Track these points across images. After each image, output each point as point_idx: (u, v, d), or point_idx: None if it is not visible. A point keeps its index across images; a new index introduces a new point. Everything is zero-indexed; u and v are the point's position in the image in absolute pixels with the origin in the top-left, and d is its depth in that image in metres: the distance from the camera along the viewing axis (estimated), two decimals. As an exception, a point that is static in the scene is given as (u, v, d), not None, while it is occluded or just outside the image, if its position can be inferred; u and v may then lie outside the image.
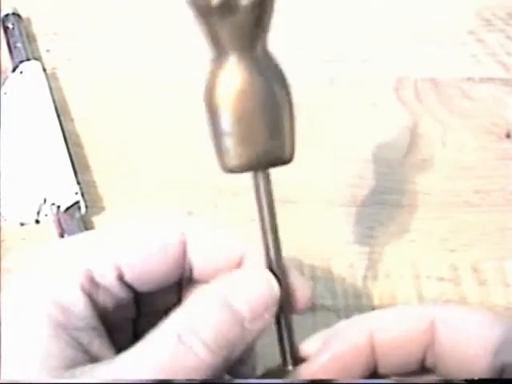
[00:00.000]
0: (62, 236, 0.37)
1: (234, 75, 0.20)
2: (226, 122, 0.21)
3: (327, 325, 0.34)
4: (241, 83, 0.20)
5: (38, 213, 0.38)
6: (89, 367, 0.20)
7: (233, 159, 0.21)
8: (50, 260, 0.23)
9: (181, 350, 0.20)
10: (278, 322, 0.24)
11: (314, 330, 0.35)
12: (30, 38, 0.47)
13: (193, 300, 0.22)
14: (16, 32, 0.46)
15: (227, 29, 0.20)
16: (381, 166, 0.41)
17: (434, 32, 0.47)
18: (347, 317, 0.35)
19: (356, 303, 0.36)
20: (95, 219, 0.39)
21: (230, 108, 0.21)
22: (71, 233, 0.37)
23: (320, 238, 0.38)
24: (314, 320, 0.35)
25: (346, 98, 0.44)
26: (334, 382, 0.22)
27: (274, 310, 0.23)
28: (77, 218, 0.37)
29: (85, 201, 0.38)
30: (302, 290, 0.24)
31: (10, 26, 0.46)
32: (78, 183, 0.38)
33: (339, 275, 0.36)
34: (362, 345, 0.23)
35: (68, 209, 0.37)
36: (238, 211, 0.38)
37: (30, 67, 0.44)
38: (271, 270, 0.23)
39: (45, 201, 0.38)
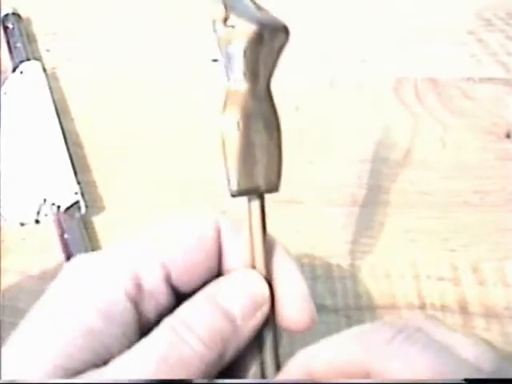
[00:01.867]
0: (61, 236, 0.37)
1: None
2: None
3: (327, 325, 0.35)
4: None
5: (38, 213, 0.38)
6: (95, 371, 0.20)
7: (235, 184, 0.24)
8: (94, 267, 0.23)
9: (176, 341, 0.21)
10: (261, 331, 0.24)
11: (313, 330, 0.35)
12: (30, 38, 0.47)
13: (187, 302, 0.23)
14: (16, 32, 0.46)
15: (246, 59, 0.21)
16: (381, 165, 0.41)
17: (434, 32, 0.47)
18: (347, 317, 0.35)
19: (356, 303, 0.36)
20: (95, 219, 0.39)
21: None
22: (71, 233, 0.37)
23: (320, 237, 0.38)
24: (314, 320, 0.35)
25: (346, 98, 0.44)
26: (334, 382, 0.22)
27: (265, 309, 0.23)
28: (77, 217, 0.37)
29: (85, 201, 0.38)
30: (301, 310, 0.25)
31: (10, 25, 0.46)
32: (78, 183, 0.39)
33: (339, 275, 0.36)
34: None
35: (68, 209, 0.37)
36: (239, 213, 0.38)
37: (30, 67, 0.44)
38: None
39: (45, 201, 0.38)
